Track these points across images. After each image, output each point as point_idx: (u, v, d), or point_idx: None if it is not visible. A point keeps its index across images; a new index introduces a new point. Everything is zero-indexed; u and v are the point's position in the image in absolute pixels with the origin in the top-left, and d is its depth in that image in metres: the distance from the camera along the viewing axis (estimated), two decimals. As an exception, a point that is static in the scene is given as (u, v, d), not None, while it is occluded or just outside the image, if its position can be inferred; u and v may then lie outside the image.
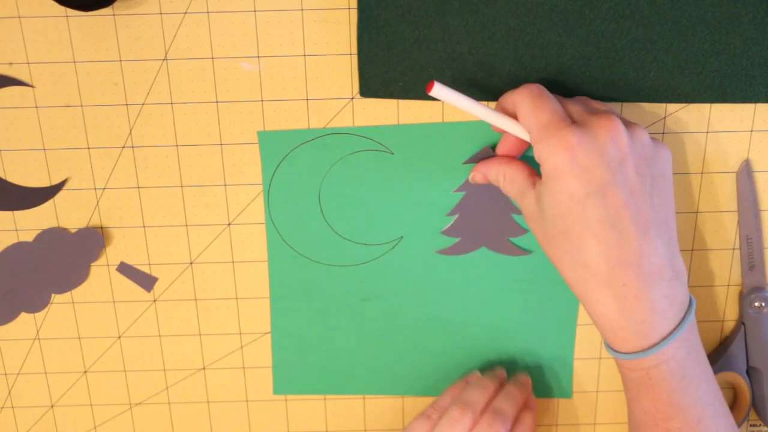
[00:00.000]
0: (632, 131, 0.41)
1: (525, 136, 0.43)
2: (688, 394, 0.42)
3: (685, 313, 0.42)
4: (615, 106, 0.48)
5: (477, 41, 0.45)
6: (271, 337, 0.53)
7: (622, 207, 0.40)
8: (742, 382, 0.52)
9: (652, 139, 0.42)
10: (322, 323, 0.53)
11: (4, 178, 0.49)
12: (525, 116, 0.42)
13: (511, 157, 0.46)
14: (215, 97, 0.48)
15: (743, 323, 0.51)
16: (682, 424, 0.42)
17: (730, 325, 0.53)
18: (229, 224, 0.51)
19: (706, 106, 0.48)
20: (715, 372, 0.52)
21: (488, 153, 0.48)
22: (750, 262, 0.51)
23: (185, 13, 0.46)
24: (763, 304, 0.51)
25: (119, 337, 0.53)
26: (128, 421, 0.56)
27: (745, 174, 0.49)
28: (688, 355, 0.42)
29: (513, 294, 0.52)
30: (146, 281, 0.52)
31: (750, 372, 0.52)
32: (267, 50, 0.47)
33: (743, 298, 0.51)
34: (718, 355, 0.52)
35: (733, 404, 0.54)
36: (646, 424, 0.44)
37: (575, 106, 0.42)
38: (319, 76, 0.47)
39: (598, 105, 0.44)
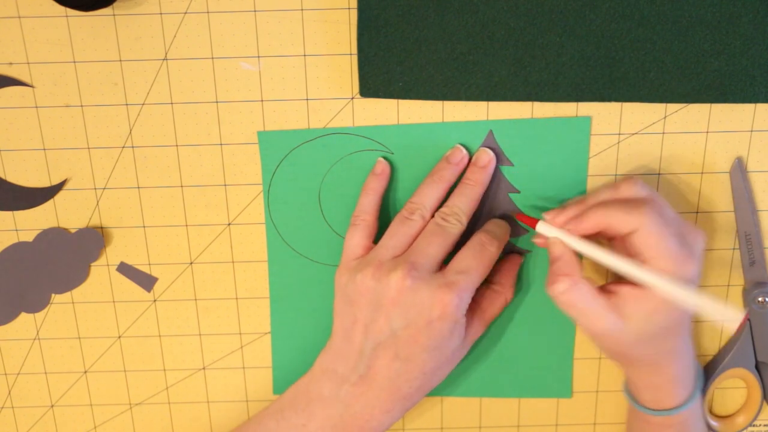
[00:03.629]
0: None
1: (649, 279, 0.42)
2: None
3: (697, 374, 0.49)
4: (615, 106, 0.48)
5: (477, 41, 0.45)
6: (271, 337, 0.53)
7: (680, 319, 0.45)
8: (753, 378, 0.53)
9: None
10: (322, 323, 0.52)
11: (4, 178, 0.49)
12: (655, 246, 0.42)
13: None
14: (215, 97, 0.48)
15: (748, 319, 0.52)
16: None
17: (732, 325, 0.53)
18: (229, 224, 0.51)
19: (706, 106, 0.48)
20: (725, 369, 0.53)
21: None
22: (750, 259, 0.51)
23: (185, 13, 0.46)
24: (767, 299, 0.51)
25: (119, 337, 0.53)
26: (128, 421, 0.56)
27: (738, 171, 0.49)
28: (701, 407, 0.49)
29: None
30: (146, 281, 0.52)
31: (759, 367, 0.53)
32: (267, 50, 0.47)
33: (746, 294, 0.51)
34: (725, 353, 0.53)
35: (745, 400, 0.55)
36: None
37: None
38: (319, 76, 0.47)
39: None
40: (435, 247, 0.45)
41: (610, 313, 0.43)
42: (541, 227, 0.45)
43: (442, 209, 0.46)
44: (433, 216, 0.47)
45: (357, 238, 0.47)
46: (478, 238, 0.46)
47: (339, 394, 0.46)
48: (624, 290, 0.43)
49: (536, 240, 0.47)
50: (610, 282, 0.46)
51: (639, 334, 0.43)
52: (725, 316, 0.38)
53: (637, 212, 0.42)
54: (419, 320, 0.44)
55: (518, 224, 0.50)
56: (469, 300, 0.45)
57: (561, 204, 0.48)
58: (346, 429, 0.46)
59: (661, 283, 0.41)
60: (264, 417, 0.48)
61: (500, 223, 0.48)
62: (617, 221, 0.42)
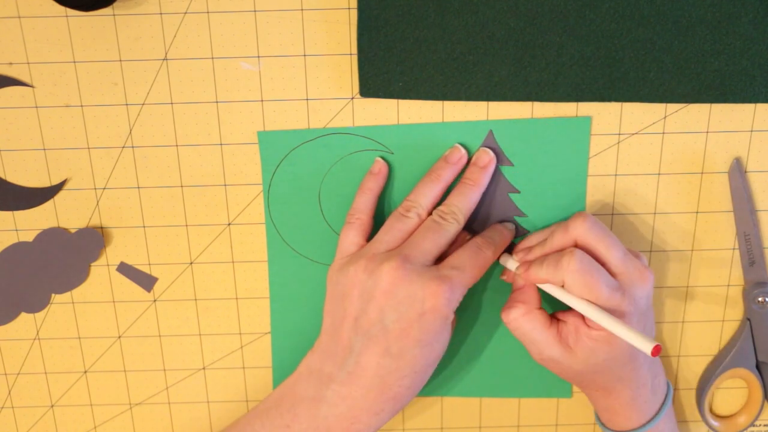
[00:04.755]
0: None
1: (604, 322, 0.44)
2: None
3: (666, 391, 0.50)
4: (615, 106, 0.48)
5: (477, 41, 0.45)
6: (271, 337, 0.53)
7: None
8: (754, 378, 0.53)
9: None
10: (321, 323, 0.52)
11: (4, 178, 0.49)
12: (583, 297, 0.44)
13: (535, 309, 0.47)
14: (215, 97, 0.48)
15: (748, 319, 0.52)
16: None
17: (732, 324, 0.53)
18: (229, 224, 0.51)
19: (706, 106, 0.48)
20: (726, 369, 0.53)
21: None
22: (750, 259, 0.51)
23: (185, 13, 0.46)
24: (767, 299, 0.51)
25: (119, 337, 0.53)
26: (128, 421, 0.56)
27: (737, 171, 0.49)
28: (672, 430, 0.50)
29: (513, 294, 0.52)
30: (146, 281, 0.52)
31: (760, 367, 0.53)
32: (267, 50, 0.47)
33: (746, 294, 0.51)
34: (726, 353, 0.53)
35: (746, 400, 0.55)
36: None
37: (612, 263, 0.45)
38: (319, 76, 0.47)
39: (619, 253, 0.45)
40: (430, 243, 0.45)
41: (557, 343, 0.46)
42: (504, 260, 0.48)
43: (440, 207, 0.46)
44: (429, 215, 0.47)
45: (351, 236, 0.47)
46: (475, 241, 0.47)
47: (325, 394, 0.45)
48: (571, 320, 0.46)
49: (502, 276, 0.50)
50: (563, 311, 0.47)
51: (584, 364, 0.45)
52: (644, 347, 0.41)
53: (560, 269, 0.44)
54: (411, 312, 0.43)
55: (519, 227, 0.50)
56: (460, 297, 0.45)
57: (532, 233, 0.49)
58: (330, 431, 0.45)
59: (604, 321, 0.43)
60: (251, 417, 0.48)
61: (500, 229, 0.49)
62: (550, 278, 0.45)
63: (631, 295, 0.44)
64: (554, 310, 0.48)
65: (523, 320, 0.46)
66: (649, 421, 0.48)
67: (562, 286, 0.44)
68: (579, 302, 0.44)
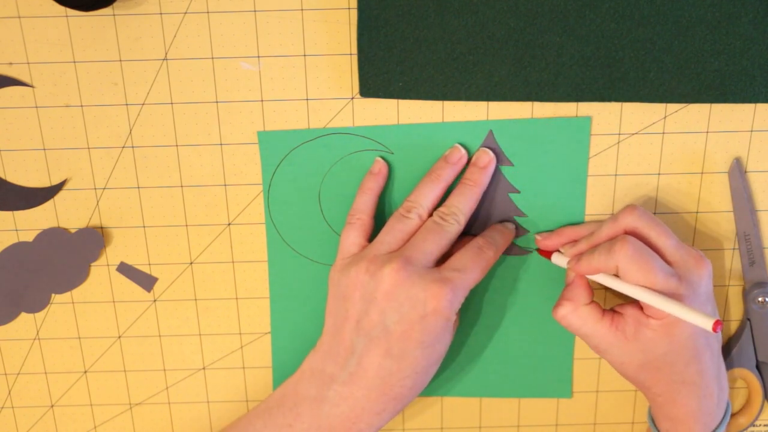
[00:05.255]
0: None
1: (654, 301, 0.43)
2: None
3: (726, 409, 0.48)
4: (615, 106, 0.48)
5: (477, 41, 0.45)
6: (271, 337, 0.53)
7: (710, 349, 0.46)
8: (753, 378, 0.53)
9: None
10: (322, 323, 0.52)
11: (4, 178, 0.49)
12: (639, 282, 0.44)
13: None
14: (215, 97, 0.48)
15: (748, 319, 0.52)
16: None
17: (732, 324, 0.53)
18: (229, 224, 0.51)
19: (706, 106, 0.48)
20: (726, 369, 0.52)
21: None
22: (750, 259, 0.51)
23: (185, 13, 0.46)
24: (767, 299, 0.51)
25: (119, 337, 0.53)
26: (128, 421, 0.56)
27: (737, 171, 0.49)
28: None
29: (513, 294, 0.52)
30: (146, 281, 0.52)
31: (760, 367, 0.53)
32: (267, 50, 0.47)
33: (746, 294, 0.51)
34: (726, 353, 0.53)
35: (746, 400, 0.55)
36: None
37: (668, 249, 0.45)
38: (319, 76, 0.47)
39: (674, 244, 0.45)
40: (431, 244, 0.45)
41: (613, 336, 0.45)
42: (556, 259, 0.48)
43: (441, 209, 0.46)
44: (430, 215, 0.47)
45: (352, 237, 0.47)
46: (476, 242, 0.47)
47: (327, 394, 0.45)
48: (629, 312, 0.45)
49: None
50: (621, 303, 0.47)
51: (645, 356, 0.45)
52: (704, 324, 0.40)
53: (613, 255, 0.43)
54: (413, 314, 0.43)
55: (519, 227, 0.50)
56: (462, 299, 0.44)
57: (559, 226, 0.50)
58: (332, 431, 0.45)
59: (661, 304, 0.42)
60: (253, 416, 0.48)
61: (501, 229, 0.49)
62: (602, 267, 0.44)
63: (688, 281, 0.43)
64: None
65: (572, 317, 0.46)
66: (717, 427, 0.47)
67: (616, 275, 0.44)
68: (634, 288, 0.43)
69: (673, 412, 0.47)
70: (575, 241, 0.47)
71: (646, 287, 0.43)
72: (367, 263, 0.45)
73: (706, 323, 0.39)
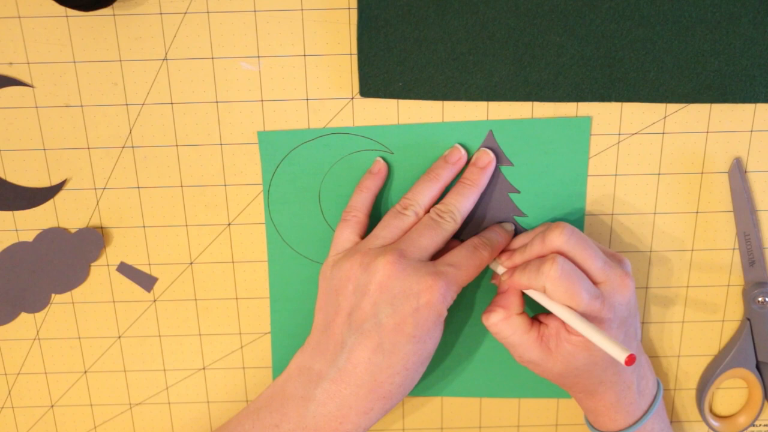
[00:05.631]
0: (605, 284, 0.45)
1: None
2: None
3: (656, 392, 0.49)
4: (615, 106, 0.48)
5: (477, 41, 0.45)
6: (271, 337, 0.53)
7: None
8: (754, 378, 0.53)
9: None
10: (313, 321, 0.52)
11: (4, 178, 0.49)
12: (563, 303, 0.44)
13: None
14: (215, 97, 0.48)
15: (748, 319, 0.52)
16: None
17: (732, 324, 0.53)
18: (229, 224, 0.51)
19: (706, 106, 0.48)
20: (726, 369, 0.53)
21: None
22: (750, 259, 0.51)
23: (185, 13, 0.46)
24: (767, 299, 0.51)
25: (119, 337, 0.53)
26: (128, 421, 0.56)
27: (737, 171, 0.49)
28: (662, 430, 0.49)
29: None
30: (146, 281, 0.52)
31: (760, 367, 0.53)
32: (267, 50, 0.47)
33: (746, 294, 0.51)
34: (726, 353, 0.53)
35: (746, 400, 0.55)
36: None
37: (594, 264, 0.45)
38: (319, 76, 0.47)
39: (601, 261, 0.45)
40: (426, 240, 0.45)
41: (537, 347, 0.46)
42: (494, 265, 0.48)
43: (438, 206, 0.47)
44: (427, 213, 0.47)
45: (347, 234, 0.47)
46: (472, 241, 0.47)
47: (315, 393, 0.45)
48: (553, 324, 0.46)
49: (492, 281, 0.51)
50: (546, 314, 0.47)
51: (565, 367, 0.46)
52: (619, 356, 0.41)
53: (541, 275, 0.44)
54: (406, 306, 0.43)
55: (519, 227, 0.50)
56: (455, 295, 0.44)
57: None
58: (318, 430, 0.45)
59: (582, 328, 0.43)
60: (242, 416, 0.48)
61: (499, 230, 0.49)
62: (532, 285, 0.45)
63: (611, 303, 0.44)
64: (536, 313, 0.48)
65: (502, 325, 0.46)
66: (635, 422, 0.48)
67: (544, 291, 0.44)
68: (559, 308, 0.44)
69: (592, 406, 0.48)
70: (512, 251, 0.48)
71: (570, 308, 0.43)
72: (360, 256, 0.45)
73: (620, 356, 0.41)
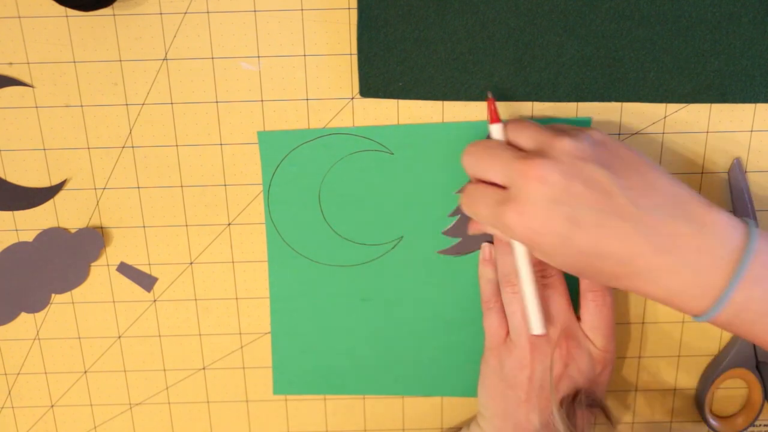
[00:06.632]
0: (549, 149, 0.40)
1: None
2: None
3: (744, 249, 0.38)
4: (615, 106, 0.48)
5: (477, 41, 0.45)
6: (271, 337, 0.53)
7: (598, 222, 0.39)
8: (753, 378, 0.53)
9: (584, 132, 0.41)
10: (322, 323, 0.52)
11: (4, 178, 0.49)
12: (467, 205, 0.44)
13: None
14: (215, 97, 0.48)
15: None
16: None
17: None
18: (229, 224, 0.51)
19: (706, 106, 0.48)
20: (725, 369, 0.53)
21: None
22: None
23: (185, 13, 0.46)
24: None
25: (119, 337, 0.53)
26: (128, 421, 0.56)
27: (737, 171, 0.49)
28: None
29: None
30: (146, 281, 0.52)
31: (760, 367, 0.53)
32: (267, 50, 0.47)
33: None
34: (726, 353, 0.53)
35: (746, 400, 0.55)
36: None
37: (499, 159, 0.42)
38: (319, 76, 0.47)
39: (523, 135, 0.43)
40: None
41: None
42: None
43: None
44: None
45: (496, 322, 0.49)
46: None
47: None
48: None
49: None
50: None
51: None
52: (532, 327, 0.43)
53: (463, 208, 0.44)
54: None
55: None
56: None
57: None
58: None
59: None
60: None
61: None
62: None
63: (518, 207, 0.40)
64: None
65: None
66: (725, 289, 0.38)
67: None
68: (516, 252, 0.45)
69: (659, 296, 0.41)
70: None
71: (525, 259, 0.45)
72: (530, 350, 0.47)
73: (533, 328, 0.45)
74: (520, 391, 0.47)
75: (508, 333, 0.48)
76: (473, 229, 0.48)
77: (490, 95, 0.45)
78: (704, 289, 0.38)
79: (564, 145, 0.40)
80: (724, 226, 0.39)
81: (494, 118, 0.44)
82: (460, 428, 0.53)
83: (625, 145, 0.42)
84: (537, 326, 0.45)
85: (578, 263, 0.41)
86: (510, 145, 0.43)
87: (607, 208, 0.39)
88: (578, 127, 0.43)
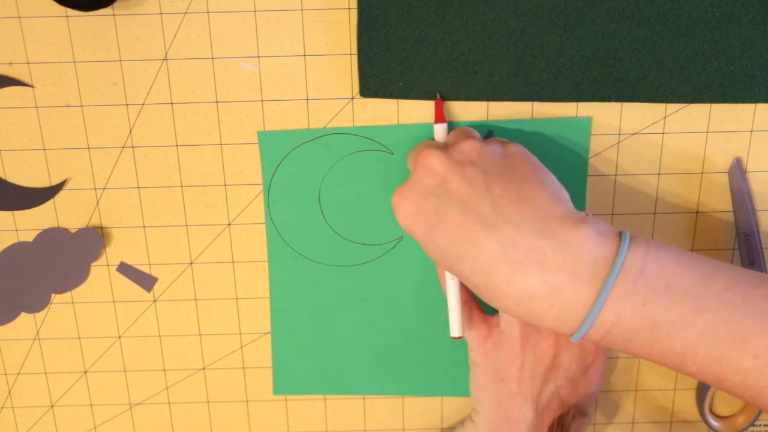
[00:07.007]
0: (453, 147, 0.42)
1: None
2: (673, 339, 0.36)
3: (611, 266, 0.36)
4: (615, 106, 0.48)
5: (477, 41, 0.45)
6: (271, 337, 0.53)
7: (459, 221, 0.39)
8: None
9: (500, 143, 0.43)
10: (322, 323, 0.53)
11: (4, 178, 0.49)
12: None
13: None
14: (215, 97, 0.48)
15: None
16: (693, 348, 0.36)
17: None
18: (229, 224, 0.51)
19: (706, 106, 0.48)
20: None
21: None
22: (750, 259, 0.51)
23: (185, 13, 0.46)
24: None
25: (119, 337, 0.53)
26: (128, 421, 0.56)
27: (737, 171, 0.49)
28: (642, 306, 0.36)
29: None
30: (146, 281, 0.52)
31: None
32: (267, 50, 0.47)
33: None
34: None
35: (746, 402, 0.54)
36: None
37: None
38: (319, 76, 0.47)
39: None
40: None
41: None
42: None
43: None
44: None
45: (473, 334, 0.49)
46: None
47: None
48: None
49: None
50: None
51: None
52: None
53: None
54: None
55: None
56: None
57: None
58: None
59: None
60: None
61: None
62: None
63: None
64: None
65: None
66: (587, 315, 0.36)
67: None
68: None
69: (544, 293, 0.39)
70: None
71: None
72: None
73: (452, 331, 0.47)
74: (512, 384, 0.47)
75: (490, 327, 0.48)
76: None
77: (438, 96, 0.46)
78: (568, 311, 0.36)
79: (464, 145, 0.41)
80: (591, 244, 0.36)
81: (438, 118, 0.46)
82: (455, 428, 0.53)
83: (536, 164, 0.41)
84: (455, 330, 0.47)
85: (443, 260, 0.40)
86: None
87: (471, 211, 0.38)
88: (506, 141, 0.43)
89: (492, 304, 0.39)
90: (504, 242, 0.37)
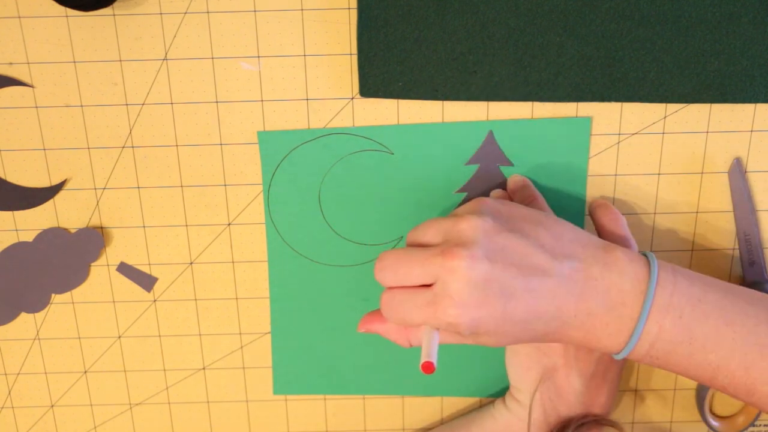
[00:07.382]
0: (465, 240, 0.39)
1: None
2: (708, 351, 0.39)
3: (648, 280, 0.40)
4: (615, 106, 0.48)
5: (477, 41, 0.45)
6: (271, 337, 0.53)
7: (527, 289, 0.39)
8: None
9: (477, 205, 0.41)
10: (322, 323, 0.53)
11: (4, 178, 0.49)
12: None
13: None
14: (215, 97, 0.48)
15: None
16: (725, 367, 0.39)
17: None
18: (229, 224, 0.51)
19: (706, 106, 0.48)
20: None
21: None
22: (750, 259, 0.51)
23: (185, 13, 0.46)
24: None
25: (119, 337, 0.53)
26: (128, 421, 0.56)
27: (737, 171, 0.49)
28: (680, 318, 0.39)
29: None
30: (146, 281, 0.52)
31: None
32: (267, 50, 0.47)
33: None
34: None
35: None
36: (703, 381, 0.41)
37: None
38: (319, 76, 0.47)
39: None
40: None
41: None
42: None
43: None
44: None
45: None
46: None
47: None
48: None
49: None
50: None
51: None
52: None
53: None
54: None
55: None
56: None
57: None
58: None
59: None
60: None
61: None
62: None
63: (445, 298, 0.39)
64: None
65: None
66: (633, 331, 0.39)
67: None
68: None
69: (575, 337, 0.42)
70: None
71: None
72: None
73: (421, 360, 0.39)
74: (556, 356, 0.46)
75: None
76: (364, 329, 0.45)
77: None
78: (619, 325, 0.40)
79: (470, 225, 0.40)
80: (625, 262, 0.40)
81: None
82: (463, 417, 0.52)
83: (515, 203, 0.43)
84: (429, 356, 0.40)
85: (516, 333, 0.40)
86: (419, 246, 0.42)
87: (530, 271, 0.39)
88: (468, 204, 0.42)
89: (553, 341, 0.41)
90: (566, 282, 0.40)
